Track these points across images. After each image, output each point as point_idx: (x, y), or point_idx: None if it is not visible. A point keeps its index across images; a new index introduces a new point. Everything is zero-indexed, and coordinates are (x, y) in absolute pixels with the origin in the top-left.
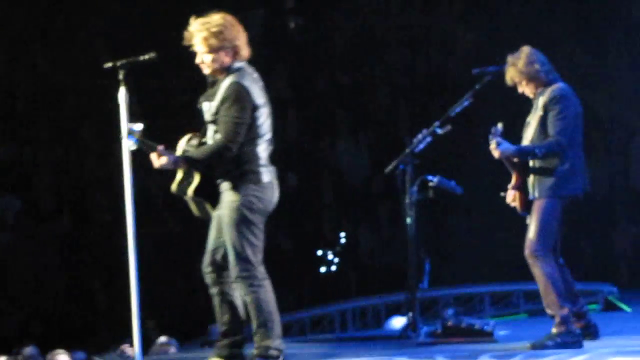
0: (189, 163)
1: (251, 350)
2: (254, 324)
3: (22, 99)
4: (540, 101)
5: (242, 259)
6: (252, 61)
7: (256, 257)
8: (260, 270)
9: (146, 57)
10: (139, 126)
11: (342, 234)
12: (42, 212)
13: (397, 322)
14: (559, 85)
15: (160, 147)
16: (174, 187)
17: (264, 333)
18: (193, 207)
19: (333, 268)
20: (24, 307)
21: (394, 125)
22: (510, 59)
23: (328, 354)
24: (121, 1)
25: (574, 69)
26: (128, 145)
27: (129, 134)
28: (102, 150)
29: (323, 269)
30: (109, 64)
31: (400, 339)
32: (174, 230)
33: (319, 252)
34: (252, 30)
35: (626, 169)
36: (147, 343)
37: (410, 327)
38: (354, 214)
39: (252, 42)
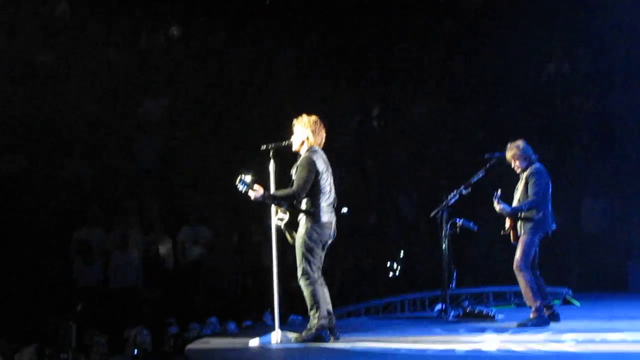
0: (272, 197)
1: (309, 324)
2: (309, 307)
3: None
4: (524, 175)
5: (302, 268)
6: (348, 148)
7: (311, 267)
8: (313, 275)
9: (285, 143)
10: (249, 177)
11: (402, 252)
12: (220, 238)
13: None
14: (536, 165)
15: (257, 186)
16: (276, 222)
17: (315, 312)
18: (287, 236)
19: (397, 274)
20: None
21: (436, 187)
22: (510, 144)
23: (391, 324)
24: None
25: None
26: (240, 188)
27: (240, 181)
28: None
29: (390, 274)
30: (264, 146)
31: (437, 319)
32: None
33: (388, 264)
34: (351, 126)
35: (578, 217)
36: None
37: (443, 311)
38: (410, 241)
39: (350, 135)
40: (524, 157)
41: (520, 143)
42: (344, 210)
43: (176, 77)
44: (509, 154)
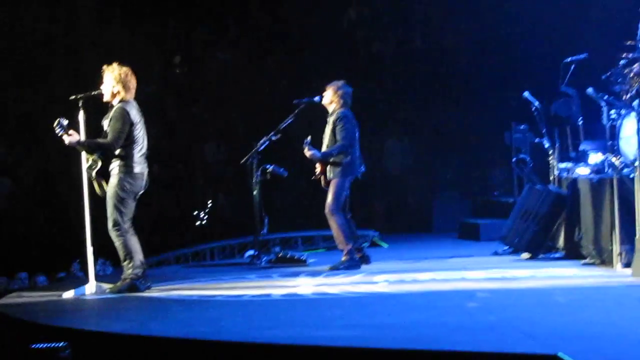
0: (86, 145)
1: (123, 274)
2: (122, 258)
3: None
4: (330, 119)
5: (113, 219)
6: (151, 97)
7: (122, 218)
8: (124, 226)
9: (95, 92)
10: (65, 121)
11: (209, 201)
12: (23, 188)
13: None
14: (342, 110)
15: (72, 132)
16: (86, 170)
17: (129, 263)
18: (96, 187)
19: (204, 222)
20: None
21: (245, 133)
22: (329, 86)
23: (204, 271)
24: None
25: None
26: (57, 132)
27: (58, 124)
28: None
29: (198, 222)
30: (73, 97)
31: (249, 265)
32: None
33: (195, 212)
34: (153, 74)
35: (383, 160)
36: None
37: (255, 257)
38: (217, 189)
39: (153, 82)
40: (340, 97)
41: (339, 83)
42: None
43: None
44: (330, 91)
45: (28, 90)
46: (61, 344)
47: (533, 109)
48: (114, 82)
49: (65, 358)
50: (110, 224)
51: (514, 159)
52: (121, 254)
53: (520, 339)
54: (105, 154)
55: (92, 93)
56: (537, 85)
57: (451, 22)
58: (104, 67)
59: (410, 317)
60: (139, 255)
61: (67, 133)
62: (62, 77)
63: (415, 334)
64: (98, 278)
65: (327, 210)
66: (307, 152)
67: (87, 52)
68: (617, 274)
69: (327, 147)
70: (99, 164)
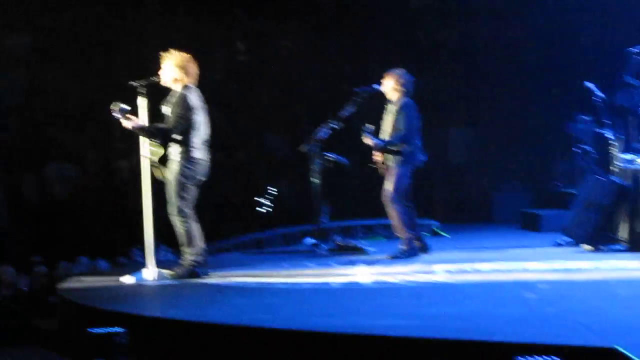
0: (146, 130)
1: (183, 260)
2: (183, 244)
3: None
4: (394, 108)
5: (177, 206)
6: (216, 79)
7: (184, 204)
8: (187, 212)
9: (155, 79)
10: (126, 107)
11: (273, 189)
12: (86, 175)
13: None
14: (405, 99)
15: (130, 116)
16: (148, 156)
17: (189, 249)
18: (156, 172)
19: (267, 210)
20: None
21: (307, 121)
22: (390, 73)
23: (264, 259)
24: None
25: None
26: (118, 116)
27: (121, 109)
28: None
29: (261, 210)
30: (132, 83)
31: (310, 252)
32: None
33: (258, 200)
34: (217, 62)
35: (445, 149)
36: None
37: (315, 245)
38: (279, 177)
39: (215, 69)
40: (402, 86)
41: (399, 72)
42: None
43: (39, 11)
44: (393, 79)
45: (93, 78)
46: (118, 329)
47: (596, 99)
48: (175, 68)
49: (122, 343)
50: (174, 210)
51: (576, 150)
52: (182, 239)
53: (577, 331)
54: (165, 139)
55: (152, 79)
56: (601, 76)
57: (517, 13)
58: (163, 54)
59: (468, 307)
60: (199, 242)
61: (125, 118)
62: (127, 63)
63: (472, 324)
64: (158, 264)
65: (387, 198)
66: (368, 141)
67: (152, 39)
68: None
69: (388, 135)
70: (160, 150)
